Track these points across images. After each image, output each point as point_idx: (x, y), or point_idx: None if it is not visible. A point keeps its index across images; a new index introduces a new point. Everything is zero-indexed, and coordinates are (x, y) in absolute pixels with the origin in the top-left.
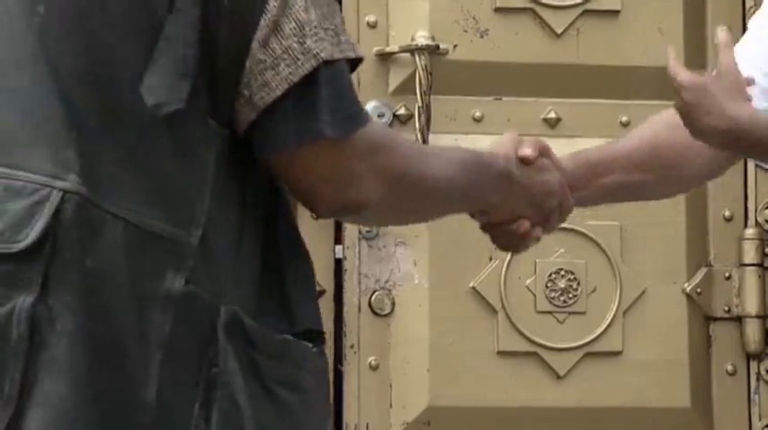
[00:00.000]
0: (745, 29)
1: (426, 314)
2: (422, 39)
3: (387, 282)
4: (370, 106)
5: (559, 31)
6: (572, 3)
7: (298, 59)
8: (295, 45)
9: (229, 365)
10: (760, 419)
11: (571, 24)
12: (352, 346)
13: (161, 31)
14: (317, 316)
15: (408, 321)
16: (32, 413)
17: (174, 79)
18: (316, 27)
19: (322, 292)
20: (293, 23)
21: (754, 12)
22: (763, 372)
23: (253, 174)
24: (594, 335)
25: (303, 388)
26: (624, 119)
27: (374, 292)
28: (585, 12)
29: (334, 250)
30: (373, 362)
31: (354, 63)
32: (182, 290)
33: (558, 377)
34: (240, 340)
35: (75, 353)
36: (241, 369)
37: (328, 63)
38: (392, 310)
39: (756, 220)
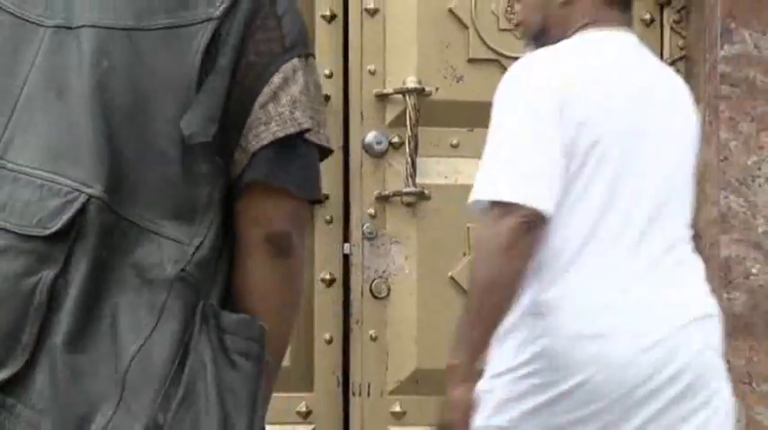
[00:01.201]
0: None
1: (415, 298)
2: (411, 83)
3: (384, 272)
4: (371, 135)
5: None
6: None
7: (286, 123)
8: (286, 113)
9: (202, 339)
10: None
11: None
12: (357, 322)
13: (192, 87)
14: None
15: (401, 303)
16: (40, 360)
17: (206, 119)
18: (305, 107)
19: (333, 281)
20: (288, 97)
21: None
22: None
23: (229, 208)
24: None
25: (260, 357)
26: None
27: (374, 280)
28: None
29: (342, 247)
30: (373, 335)
31: (325, 153)
32: (177, 274)
33: None
34: (212, 322)
35: (74, 316)
36: (210, 342)
37: (305, 139)
38: (388, 295)
39: None
